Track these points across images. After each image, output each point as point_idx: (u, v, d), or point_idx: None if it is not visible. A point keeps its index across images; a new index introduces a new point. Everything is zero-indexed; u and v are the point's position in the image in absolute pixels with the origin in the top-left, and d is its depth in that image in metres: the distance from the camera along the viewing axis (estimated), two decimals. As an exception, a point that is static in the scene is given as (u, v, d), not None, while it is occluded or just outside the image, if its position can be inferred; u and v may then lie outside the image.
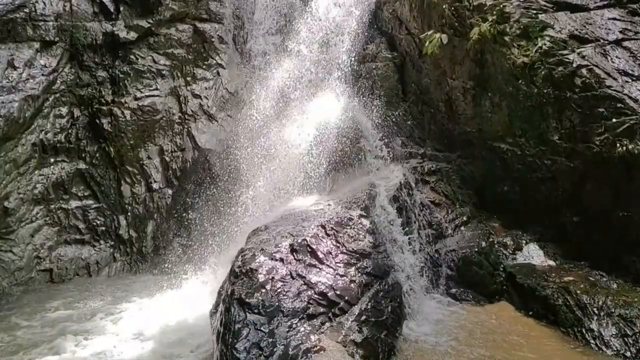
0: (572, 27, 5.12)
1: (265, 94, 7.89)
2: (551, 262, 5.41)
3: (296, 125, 7.25)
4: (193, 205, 7.62)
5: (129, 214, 7.58)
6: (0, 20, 6.95)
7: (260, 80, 8.19)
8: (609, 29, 5.02)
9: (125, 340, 5.15)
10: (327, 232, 4.71)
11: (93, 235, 7.47)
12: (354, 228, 4.84)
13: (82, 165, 7.56)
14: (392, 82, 7.75)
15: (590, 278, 4.92)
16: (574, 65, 4.91)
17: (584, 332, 4.48)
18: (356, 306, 4.25)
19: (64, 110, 7.52)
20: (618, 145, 4.61)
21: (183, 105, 8.00)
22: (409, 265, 5.43)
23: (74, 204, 7.44)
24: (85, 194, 7.55)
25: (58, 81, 7.44)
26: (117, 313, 5.85)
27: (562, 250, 5.45)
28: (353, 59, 7.81)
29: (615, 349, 4.28)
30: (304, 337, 3.87)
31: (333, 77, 7.72)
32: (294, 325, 3.93)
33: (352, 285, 4.36)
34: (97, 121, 7.59)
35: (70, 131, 7.55)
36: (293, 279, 4.23)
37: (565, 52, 5.01)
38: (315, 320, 4.04)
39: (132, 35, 7.81)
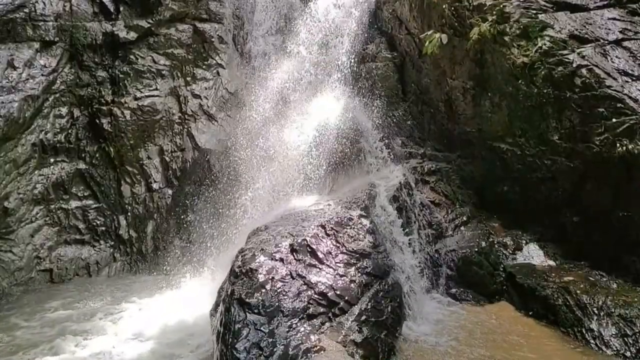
0: (572, 27, 5.12)
1: (265, 95, 7.88)
2: (551, 262, 5.41)
3: (295, 126, 7.24)
4: (192, 206, 7.61)
5: (129, 214, 7.58)
6: (0, 20, 6.95)
7: (259, 81, 8.18)
8: (609, 29, 5.02)
9: (124, 341, 5.14)
10: (327, 232, 4.70)
11: (93, 235, 7.46)
12: (354, 228, 4.84)
13: (82, 165, 7.56)
14: (392, 82, 7.75)
15: (590, 278, 4.93)
16: (574, 65, 4.91)
17: (584, 332, 4.48)
18: (356, 306, 4.25)
19: (64, 110, 7.52)
20: (618, 145, 4.61)
21: (183, 105, 8.00)
22: (409, 265, 5.43)
23: (74, 204, 7.44)
24: (85, 194, 7.55)
25: (58, 81, 7.44)
26: (117, 313, 5.84)
27: (562, 250, 5.46)
28: (353, 60, 7.80)
29: (615, 349, 4.28)
30: (304, 337, 3.87)
31: (333, 79, 7.70)
32: (294, 325, 3.93)
33: (352, 285, 4.35)
34: (97, 121, 7.59)
35: (70, 131, 7.54)
36: (293, 279, 4.23)
37: (565, 52, 5.02)
38: (315, 320, 4.04)
39: (132, 35, 7.81)
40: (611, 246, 4.95)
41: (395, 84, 7.74)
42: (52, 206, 7.31)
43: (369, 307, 4.29)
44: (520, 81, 5.39)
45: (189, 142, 7.93)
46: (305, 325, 3.96)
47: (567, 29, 5.12)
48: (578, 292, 4.70)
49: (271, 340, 3.80)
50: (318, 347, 3.83)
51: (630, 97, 4.60)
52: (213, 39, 8.28)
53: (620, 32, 4.98)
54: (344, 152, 6.89)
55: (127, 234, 7.54)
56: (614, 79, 4.71)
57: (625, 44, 4.90)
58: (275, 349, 3.76)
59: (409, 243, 5.60)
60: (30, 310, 6.07)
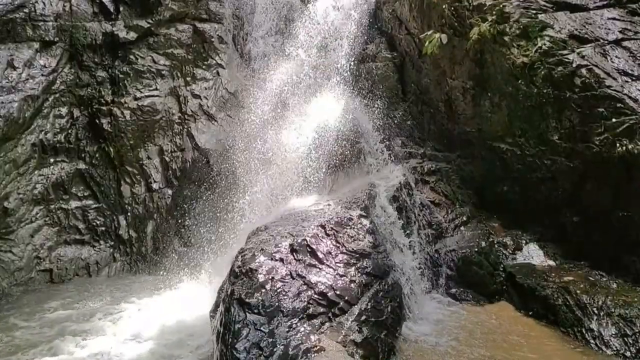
0: (572, 27, 5.12)
1: (264, 97, 7.84)
2: (551, 262, 5.40)
3: (294, 127, 7.20)
4: (190, 210, 7.57)
5: (128, 214, 7.57)
6: (0, 20, 6.94)
7: (258, 83, 8.16)
8: (609, 29, 5.02)
9: (124, 341, 5.13)
10: (327, 232, 4.70)
11: (93, 235, 7.46)
12: (353, 228, 4.84)
13: (82, 166, 7.56)
14: (391, 82, 7.75)
15: (590, 278, 4.92)
16: (574, 65, 4.91)
17: (584, 332, 4.48)
18: (356, 306, 4.25)
19: (64, 110, 7.52)
20: (618, 145, 4.61)
21: (183, 105, 7.99)
22: (409, 265, 5.42)
23: (73, 204, 7.43)
24: (85, 194, 7.55)
25: (58, 81, 7.44)
26: (116, 313, 5.84)
27: (562, 250, 5.45)
28: (352, 63, 7.78)
29: (615, 349, 4.28)
30: (304, 337, 3.87)
31: (332, 83, 7.67)
32: (294, 325, 3.92)
33: (352, 285, 4.35)
34: (97, 121, 7.59)
35: (70, 131, 7.54)
36: (293, 279, 4.23)
37: (565, 52, 5.02)
38: (315, 320, 4.04)
39: (132, 35, 7.81)
40: (611, 246, 4.94)
41: (395, 84, 7.74)
42: (52, 206, 7.30)
43: (368, 307, 4.28)
44: (520, 81, 5.39)
45: (188, 142, 7.93)
46: (305, 325, 3.96)
47: (567, 29, 5.12)
48: (578, 292, 4.70)
49: (271, 340, 3.80)
50: (318, 347, 3.82)
51: (630, 97, 4.60)
52: (213, 39, 8.28)
53: (620, 32, 4.98)
54: (344, 154, 6.84)
55: (127, 234, 7.53)
56: (614, 78, 4.71)
57: (625, 43, 4.90)
58: (275, 349, 3.75)
59: (409, 243, 5.60)
60: (29, 310, 6.06)
